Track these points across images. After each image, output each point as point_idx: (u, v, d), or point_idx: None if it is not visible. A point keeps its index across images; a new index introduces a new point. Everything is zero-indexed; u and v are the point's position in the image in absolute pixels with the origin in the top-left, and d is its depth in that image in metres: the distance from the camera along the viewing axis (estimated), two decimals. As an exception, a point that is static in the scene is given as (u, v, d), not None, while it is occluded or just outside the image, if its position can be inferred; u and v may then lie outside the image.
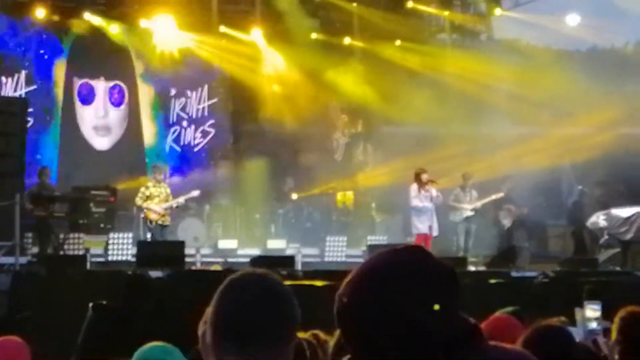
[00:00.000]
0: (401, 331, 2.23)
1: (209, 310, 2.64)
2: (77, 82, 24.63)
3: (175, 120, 25.95)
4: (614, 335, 5.32)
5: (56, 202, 19.95)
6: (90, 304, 11.01)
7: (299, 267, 18.33)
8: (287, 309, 2.63)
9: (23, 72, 23.85)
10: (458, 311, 2.31)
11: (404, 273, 2.29)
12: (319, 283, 14.15)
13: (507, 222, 21.87)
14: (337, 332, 5.26)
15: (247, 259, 17.82)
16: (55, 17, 24.04)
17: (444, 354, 2.23)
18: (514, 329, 5.04)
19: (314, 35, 26.12)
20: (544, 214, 23.63)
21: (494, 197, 21.49)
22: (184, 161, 25.49)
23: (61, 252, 18.98)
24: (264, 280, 2.65)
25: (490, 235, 21.91)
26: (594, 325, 6.55)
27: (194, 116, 26.09)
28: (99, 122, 24.89)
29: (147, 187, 20.14)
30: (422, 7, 26.13)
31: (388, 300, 2.25)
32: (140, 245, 17.83)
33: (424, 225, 20.32)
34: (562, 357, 4.34)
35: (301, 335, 5.21)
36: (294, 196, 25.20)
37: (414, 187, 20.54)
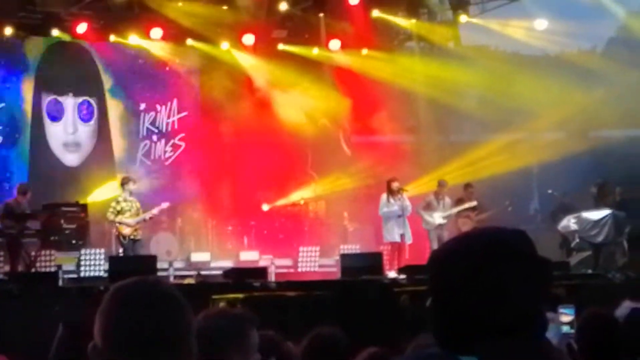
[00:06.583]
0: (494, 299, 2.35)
1: (98, 321, 2.46)
2: (46, 99, 24.49)
3: (145, 134, 25.83)
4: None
5: (27, 219, 19.83)
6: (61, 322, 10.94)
7: (272, 278, 18.31)
8: (183, 315, 2.50)
9: (-10, 90, 23.72)
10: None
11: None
12: (291, 294, 14.16)
13: (465, 229, 21.82)
14: (304, 342, 5.25)
15: (220, 272, 17.78)
16: (23, 34, 23.90)
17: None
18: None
19: (281, 46, 26.07)
20: (512, 218, 23.62)
21: (467, 205, 21.51)
22: (154, 175, 25.35)
23: (33, 270, 18.88)
24: (156, 287, 2.52)
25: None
26: (567, 329, 6.58)
27: (164, 130, 25.99)
28: (68, 139, 24.75)
29: (117, 202, 20.07)
30: (388, 17, 26.08)
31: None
32: (112, 260, 17.78)
33: (395, 234, 20.37)
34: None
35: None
36: (265, 207, 25.18)
37: (384, 195, 20.62)
